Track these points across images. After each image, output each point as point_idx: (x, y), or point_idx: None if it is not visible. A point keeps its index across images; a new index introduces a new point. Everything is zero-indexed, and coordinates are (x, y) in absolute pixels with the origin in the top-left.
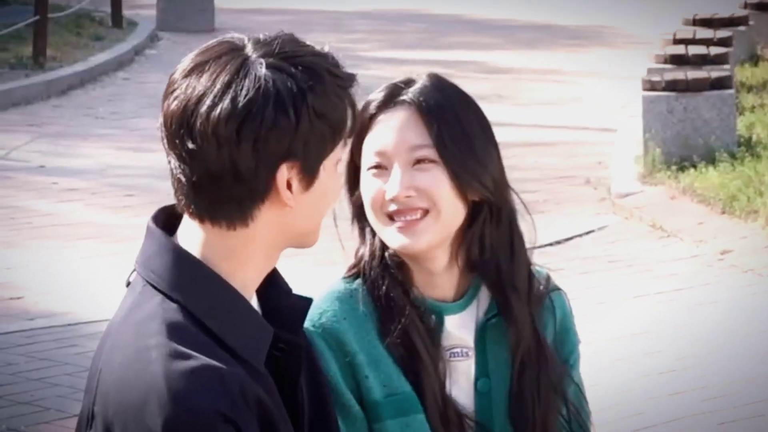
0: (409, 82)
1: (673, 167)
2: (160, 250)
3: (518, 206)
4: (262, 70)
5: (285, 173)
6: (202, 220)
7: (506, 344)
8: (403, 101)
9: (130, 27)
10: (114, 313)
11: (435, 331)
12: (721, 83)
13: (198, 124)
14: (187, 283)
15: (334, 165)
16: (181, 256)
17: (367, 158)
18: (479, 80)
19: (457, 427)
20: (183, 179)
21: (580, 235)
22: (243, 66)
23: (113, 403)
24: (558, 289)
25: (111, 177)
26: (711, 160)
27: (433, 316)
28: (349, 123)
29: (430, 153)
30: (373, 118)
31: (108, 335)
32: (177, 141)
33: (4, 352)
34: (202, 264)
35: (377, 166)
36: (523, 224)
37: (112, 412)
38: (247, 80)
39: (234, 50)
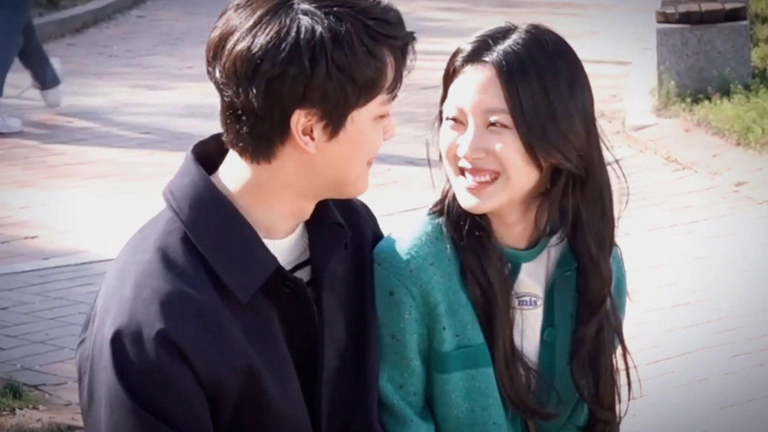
0: (503, 35)
1: (688, 99)
2: (182, 172)
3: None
4: (294, 14)
5: (301, 119)
6: (233, 149)
7: (572, 296)
8: (486, 61)
9: None
10: None
11: (510, 278)
12: (735, 14)
13: (224, 57)
14: (195, 207)
15: (370, 119)
16: (199, 182)
17: (448, 108)
18: (495, 14)
19: (521, 379)
20: (219, 107)
21: None
22: (281, 7)
23: (98, 308)
24: (616, 245)
25: (125, 115)
26: (725, 92)
27: (509, 263)
28: (386, 81)
29: (505, 118)
30: (458, 70)
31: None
32: (211, 70)
33: (19, 291)
34: (218, 192)
35: (455, 119)
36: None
37: (95, 314)
38: (274, 22)
39: (282, 6)
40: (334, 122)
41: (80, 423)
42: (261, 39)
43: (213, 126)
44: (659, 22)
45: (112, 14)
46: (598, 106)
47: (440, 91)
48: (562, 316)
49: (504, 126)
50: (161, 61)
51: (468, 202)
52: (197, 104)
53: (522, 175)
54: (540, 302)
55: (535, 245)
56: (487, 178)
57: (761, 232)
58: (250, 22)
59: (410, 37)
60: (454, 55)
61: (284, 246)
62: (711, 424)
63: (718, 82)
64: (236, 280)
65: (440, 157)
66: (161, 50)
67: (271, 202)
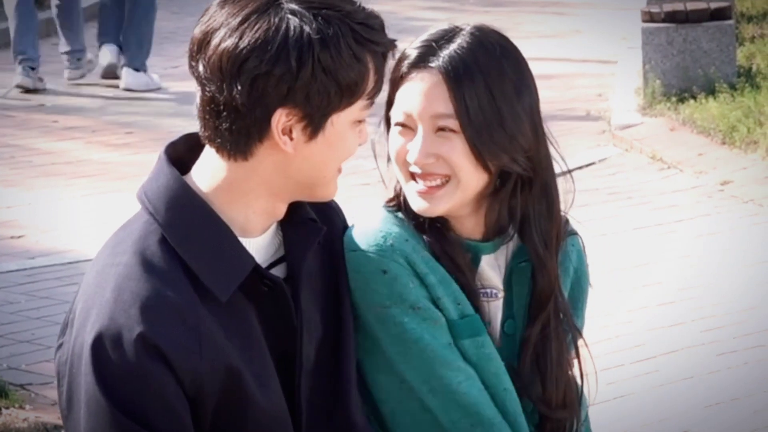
0: (448, 38)
1: (673, 98)
2: (156, 174)
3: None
4: (282, 14)
5: (282, 118)
6: (210, 146)
7: (528, 288)
8: (432, 67)
9: None
10: None
11: (472, 266)
12: (720, 13)
13: (209, 52)
14: (171, 209)
15: (349, 123)
16: (173, 183)
17: (396, 113)
18: (480, 14)
19: None
20: (197, 102)
21: (580, 167)
22: (270, 6)
23: (76, 311)
24: (575, 233)
25: (111, 115)
26: (711, 91)
27: (469, 253)
28: (367, 85)
29: (453, 123)
30: (405, 76)
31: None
32: (194, 64)
33: (5, 290)
34: (193, 193)
35: (403, 125)
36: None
37: (73, 318)
38: (262, 20)
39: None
40: (315, 123)
41: None
42: (249, 36)
43: (197, 124)
44: (645, 21)
45: (98, 13)
46: (584, 105)
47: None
48: (520, 307)
49: (452, 131)
50: (147, 61)
51: (419, 205)
52: (183, 103)
53: (472, 177)
54: (501, 294)
55: (492, 239)
56: (438, 182)
57: (746, 231)
58: (238, 19)
59: (392, 45)
60: (400, 60)
61: (259, 244)
62: (695, 423)
63: (703, 81)
64: (215, 280)
65: (388, 159)
66: None
67: (246, 200)
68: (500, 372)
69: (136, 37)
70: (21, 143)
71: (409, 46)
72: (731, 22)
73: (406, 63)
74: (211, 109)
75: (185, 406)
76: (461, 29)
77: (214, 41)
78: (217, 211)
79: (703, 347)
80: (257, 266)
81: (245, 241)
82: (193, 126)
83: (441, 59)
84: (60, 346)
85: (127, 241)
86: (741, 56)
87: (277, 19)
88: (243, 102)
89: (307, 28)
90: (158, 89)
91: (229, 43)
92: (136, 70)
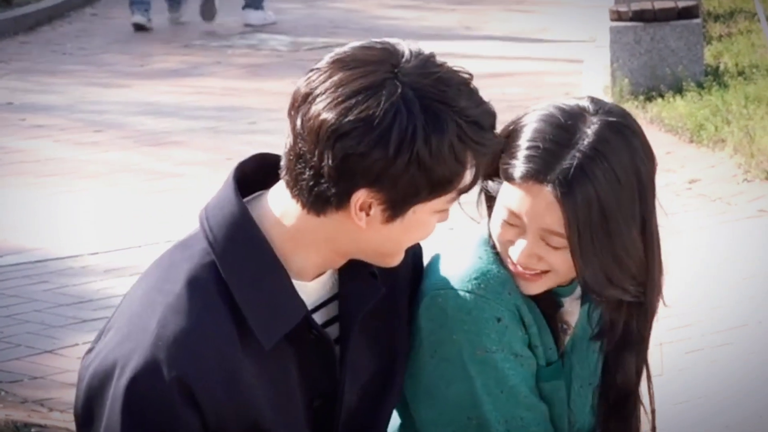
0: (570, 133)
1: (641, 97)
2: (222, 200)
3: None
4: (394, 100)
5: (362, 197)
6: (287, 188)
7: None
8: (547, 180)
9: None
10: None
11: (559, 312)
12: (688, 12)
13: (309, 114)
14: (231, 245)
15: (431, 213)
16: (238, 215)
17: (503, 201)
18: (448, 12)
19: None
20: (287, 145)
21: None
22: (380, 84)
23: (115, 325)
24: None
25: (80, 113)
26: (678, 90)
27: (557, 296)
28: (460, 182)
29: (561, 241)
30: (512, 178)
31: (155, 260)
32: (293, 114)
33: None
34: (257, 229)
35: (508, 220)
36: None
37: (109, 328)
38: (372, 99)
39: (384, 62)
40: (396, 210)
41: (37, 420)
42: (354, 114)
43: (165, 123)
44: (612, 20)
45: (65, 12)
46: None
47: None
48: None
49: (562, 245)
50: (114, 59)
51: (517, 283)
52: (150, 102)
53: (572, 270)
54: (570, 330)
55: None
56: (538, 272)
57: (714, 229)
58: (347, 90)
59: (498, 145)
60: (511, 153)
61: (312, 288)
62: (665, 420)
63: (671, 79)
64: (262, 325)
65: (488, 233)
66: (115, 48)
67: (309, 250)
68: (564, 413)
69: None
70: None
71: (522, 139)
72: (699, 20)
73: (518, 170)
74: (297, 162)
75: None
76: (591, 119)
77: (317, 106)
78: (277, 253)
79: (671, 345)
80: (308, 315)
81: (298, 284)
82: (164, 124)
83: (558, 173)
84: (90, 350)
85: (181, 267)
86: (708, 55)
87: (387, 105)
88: (329, 172)
89: (414, 121)
90: (273, 24)
91: (331, 115)
92: (256, 8)
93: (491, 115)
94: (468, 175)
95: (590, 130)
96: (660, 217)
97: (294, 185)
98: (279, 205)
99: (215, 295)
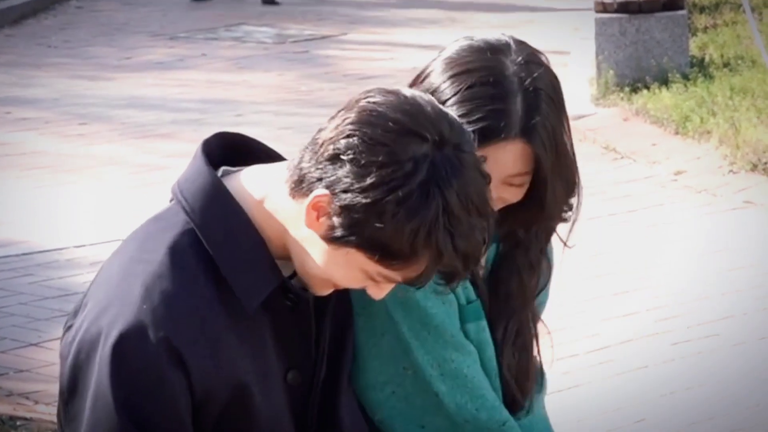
0: (504, 84)
1: (626, 89)
2: (194, 174)
3: None
4: (420, 152)
5: (323, 198)
6: (288, 170)
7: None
8: (511, 137)
9: None
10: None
11: None
12: (673, 4)
13: (328, 154)
14: (209, 213)
15: (361, 269)
16: (214, 187)
17: None
18: (433, 5)
19: None
20: (315, 136)
21: None
22: (427, 189)
23: (94, 298)
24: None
25: (65, 106)
26: (664, 82)
27: None
28: (404, 268)
29: (525, 178)
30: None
31: (129, 235)
32: (318, 140)
33: None
34: (232, 199)
35: None
36: None
37: (86, 302)
38: (391, 183)
39: (417, 143)
40: (337, 236)
41: (23, 413)
42: (370, 180)
43: (151, 115)
44: (598, 11)
45: (50, 5)
46: None
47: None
48: None
49: (525, 183)
50: (100, 52)
51: None
52: (136, 95)
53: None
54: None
55: None
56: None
57: (700, 220)
58: (372, 159)
59: (464, 273)
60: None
61: (283, 262)
62: (650, 412)
63: (656, 71)
64: (244, 291)
65: None
66: (100, 41)
67: (273, 231)
68: (493, 356)
69: None
70: None
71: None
72: (684, 12)
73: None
74: (309, 158)
75: (189, 414)
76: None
77: (343, 157)
78: (255, 223)
79: (657, 336)
80: (285, 280)
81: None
82: (150, 116)
83: (518, 127)
84: (69, 327)
85: (159, 238)
86: (694, 46)
87: (412, 152)
88: (319, 158)
89: (409, 181)
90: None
91: (347, 169)
92: None
93: (474, 252)
94: (417, 269)
95: (518, 71)
96: (647, 209)
97: (299, 174)
98: (260, 185)
99: (197, 262)
